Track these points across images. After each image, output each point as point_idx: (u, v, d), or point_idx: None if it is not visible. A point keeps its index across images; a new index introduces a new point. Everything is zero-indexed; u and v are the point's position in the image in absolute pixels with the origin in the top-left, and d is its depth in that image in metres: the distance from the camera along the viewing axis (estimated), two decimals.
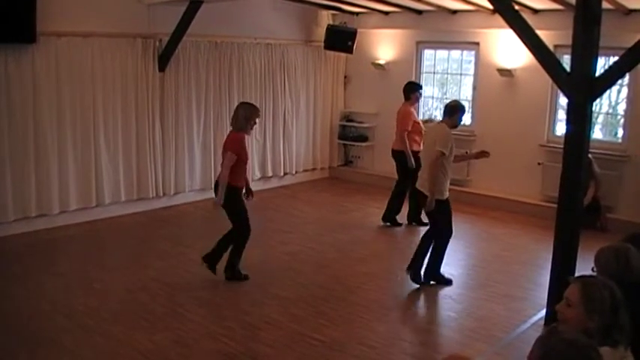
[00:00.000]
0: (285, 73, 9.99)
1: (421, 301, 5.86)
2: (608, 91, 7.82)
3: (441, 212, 5.87)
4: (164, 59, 8.25)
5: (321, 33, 10.05)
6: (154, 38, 8.15)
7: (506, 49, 8.79)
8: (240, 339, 4.87)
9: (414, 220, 8.03)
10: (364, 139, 10.69)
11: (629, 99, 8.19)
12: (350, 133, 10.90)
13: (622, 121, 8.46)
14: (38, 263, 6.40)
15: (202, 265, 6.00)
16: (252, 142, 9.62)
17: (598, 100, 7.36)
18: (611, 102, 8.76)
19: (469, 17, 8.90)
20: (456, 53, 9.94)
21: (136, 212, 8.29)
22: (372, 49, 10.46)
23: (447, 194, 5.89)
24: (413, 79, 9.92)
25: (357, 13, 10.18)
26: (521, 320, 5.31)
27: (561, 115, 8.62)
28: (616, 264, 2.84)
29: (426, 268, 6.02)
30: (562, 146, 4.77)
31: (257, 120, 6.00)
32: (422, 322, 5.57)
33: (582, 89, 4.48)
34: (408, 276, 6.01)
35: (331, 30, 9.82)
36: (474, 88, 9.48)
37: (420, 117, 9.82)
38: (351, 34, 9.79)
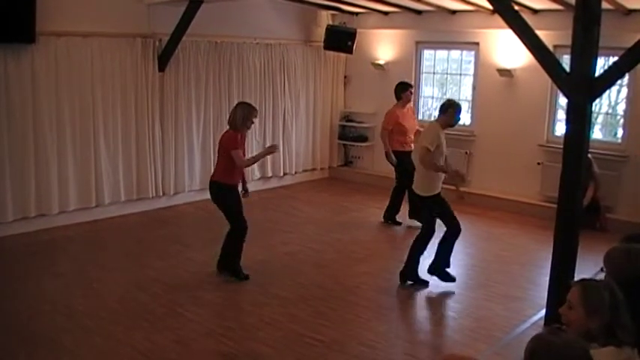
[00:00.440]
0: (285, 74, 9.99)
1: (421, 301, 5.86)
2: (607, 92, 7.82)
3: (426, 208, 5.91)
4: (164, 59, 8.25)
5: (320, 33, 10.05)
6: (153, 38, 8.15)
7: (505, 49, 8.79)
8: (240, 339, 4.87)
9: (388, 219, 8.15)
10: (364, 139, 10.69)
11: (629, 99, 8.19)
12: (350, 134, 10.91)
13: (621, 121, 8.46)
14: (38, 263, 6.40)
15: (220, 275, 6.09)
16: (252, 142, 9.62)
17: (597, 101, 7.35)
18: (611, 102, 8.76)
19: (469, 17, 8.90)
20: (455, 53, 9.94)
21: (135, 212, 8.28)
22: (371, 50, 10.46)
23: (436, 191, 5.88)
24: (412, 79, 9.95)
25: (357, 14, 10.18)
26: (521, 320, 5.31)
27: (561, 115, 8.62)
28: (628, 264, 2.82)
29: (405, 266, 6.05)
30: (561, 146, 4.77)
31: (254, 120, 6.03)
32: (421, 322, 5.57)
33: (582, 89, 4.48)
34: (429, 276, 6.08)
35: (331, 30, 9.82)
36: (474, 88, 9.49)
37: (420, 117, 9.88)
38: (351, 35, 9.79)
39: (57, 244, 7.09)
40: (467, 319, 5.39)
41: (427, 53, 10.14)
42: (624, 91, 8.35)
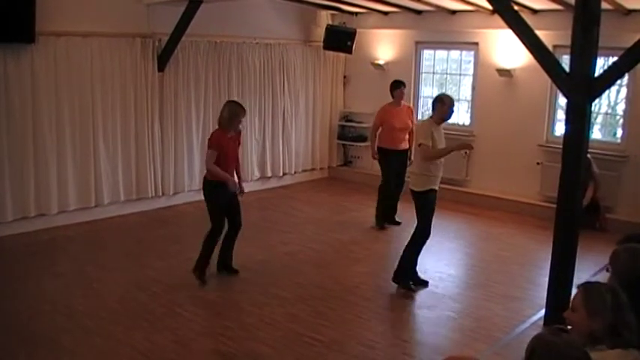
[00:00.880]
0: (285, 73, 9.99)
1: (420, 301, 5.85)
2: (607, 92, 7.83)
3: (421, 205, 5.81)
4: (163, 59, 8.25)
5: (320, 33, 10.05)
6: (153, 38, 8.15)
7: (505, 49, 8.79)
8: (240, 339, 4.87)
9: (386, 220, 8.07)
10: (363, 139, 10.68)
11: (628, 99, 8.19)
12: (349, 133, 10.91)
13: (621, 121, 8.47)
14: (37, 263, 6.40)
15: (220, 273, 6.13)
16: (252, 142, 9.65)
17: (597, 100, 7.35)
18: (610, 102, 8.77)
19: (468, 17, 8.90)
20: (455, 53, 9.94)
21: (135, 212, 8.28)
22: (371, 50, 10.46)
23: (431, 187, 5.77)
24: (412, 79, 9.97)
25: (357, 13, 10.18)
26: (520, 320, 5.31)
27: (560, 115, 8.63)
28: (634, 264, 2.82)
29: (397, 268, 6.00)
30: (561, 146, 4.77)
31: (242, 120, 6.00)
32: (421, 322, 5.57)
33: (581, 89, 4.49)
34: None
35: (330, 30, 9.82)
36: (473, 88, 9.49)
37: (420, 117, 9.89)
38: (351, 34, 9.79)
39: (56, 244, 7.09)
40: (466, 319, 5.40)
41: (427, 53, 10.14)
42: (624, 91, 8.35)
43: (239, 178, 6.23)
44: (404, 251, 5.98)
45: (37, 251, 6.78)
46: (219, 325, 5.15)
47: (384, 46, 10.37)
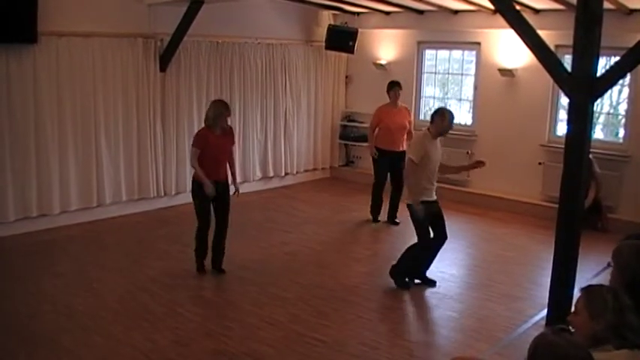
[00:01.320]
0: (286, 73, 9.98)
1: (422, 301, 5.85)
2: (609, 91, 7.80)
3: (414, 219, 5.80)
4: (165, 59, 8.25)
5: (322, 33, 10.05)
6: (154, 38, 8.16)
7: (507, 49, 8.78)
8: (240, 339, 4.86)
9: (376, 219, 8.20)
10: (365, 139, 10.61)
11: (630, 99, 8.18)
12: (351, 133, 10.90)
13: (623, 121, 8.45)
14: (39, 263, 6.40)
15: (219, 274, 6.19)
16: (254, 142, 9.64)
17: (599, 100, 7.34)
18: (612, 102, 8.75)
19: (470, 17, 8.89)
20: (457, 53, 9.93)
21: (136, 212, 8.29)
22: (373, 49, 10.46)
23: (425, 199, 5.75)
24: (414, 79, 9.97)
25: (358, 13, 10.17)
26: (523, 320, 5.30)
27: (562, 115, 8.61)
28: (636, 259, 2.80)
29: (397, 266, 6.01)
30: (563, 146, 4.75)
31: (228, 119, 6.00)
32: (423, 322, 5.56)
33: (583, 89, 4.47)
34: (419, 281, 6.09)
35: (332, 30, 9.82)
36: (475, 88, 9.47)
37: (422, 117, 9.89)
38: (352, 34, 9.79)
39: (58, 244, 7.10)
40: (468, 318, 5.39)
41: (429, 53, 10.13)
42: (626, 90, 8.33)
43: (234, 178, 6.23)
44: (404, 252, 5.99)
45: (38, 251, 6.78)
46: (220, 325, 5.14)
47: (385, 46, 10.36)
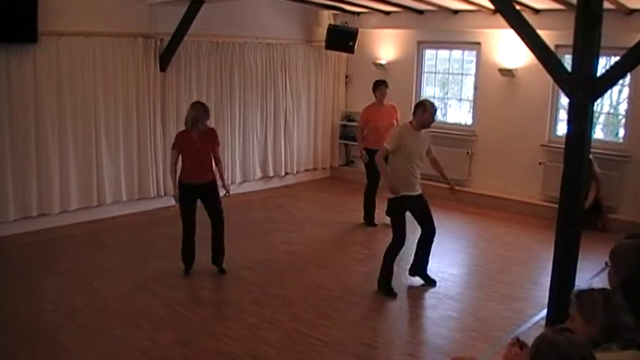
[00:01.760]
0: (287, 73, 9.99)
1: (422, 301, 5.85)
2: (609, 91, 7.81)
3: (389, 213, 5.78)
4: (165, 59, 8.26)
5: (322, 33, 10.04)
6: (155, 38, 8.16)
7: (507, 49, 8.78)
8: (241, 338, 4.87)
9: (371, 223, 8.08)
10: None
11: (631, 99, 8.17)
12: (351, 133, 10.87)
13: (623, 121, 8.45)
14: (39, 263, 6.41)
15: (219, 274, 6.19)
16: (254, 142, 9.64)
17: (599, 100, 7.34)
18: (613, 102, 8.75)
19: (470, 17, 8.89)
20: (457, 53, 9.93)
21: (137, 212, 8.29)
22: (373, 49, 10.46)
23: (404, 193, 5.67)
24: (414, 79, 9.96)
25: (358, 13, 10.18)
26: (523, 320, 5.31)
27: (562, 115, 8.61)
28: (634, 260, 2.80)
29: (380, 272, 5.94)
30: (563, 146, 4.75)
31: (206, 122, 6.00)
32: (423, 322, 5.56)
33: (583, 89, 4.47)
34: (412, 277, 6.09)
35: (332, 30, 9.81)
36: (475, 88, 9.47)
37: None
38: (352, 34, 9.78)
39: (58, 243, 7.10)
40: (468, 318, 5.39)
41: (429, 53, 10.13)
42: (626, 90, 8.33)
43: (222, 179, 6.22)
44: (383, 256, 5.91)
45: (38, 251, 6.79)
46: (220, 324, 5.14)
47: (385, 45, 10.36)
